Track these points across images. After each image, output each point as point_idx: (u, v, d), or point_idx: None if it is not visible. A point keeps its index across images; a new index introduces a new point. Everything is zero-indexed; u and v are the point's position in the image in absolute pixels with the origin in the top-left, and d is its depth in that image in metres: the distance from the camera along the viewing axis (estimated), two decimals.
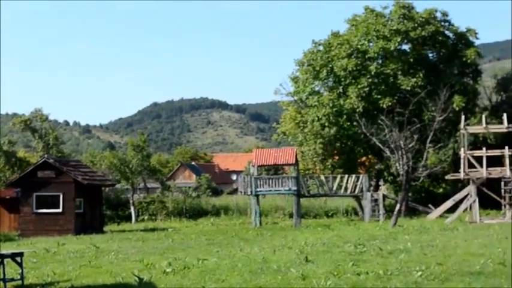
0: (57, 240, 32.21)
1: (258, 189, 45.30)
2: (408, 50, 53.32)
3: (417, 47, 52.68)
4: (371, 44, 52.42)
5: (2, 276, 16.09)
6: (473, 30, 54.23)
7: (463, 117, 42.20)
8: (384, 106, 48.57)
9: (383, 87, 50.34)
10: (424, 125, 44.09)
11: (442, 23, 53.85)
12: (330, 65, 51.55)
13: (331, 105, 50.73)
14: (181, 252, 23.46)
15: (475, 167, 39.64)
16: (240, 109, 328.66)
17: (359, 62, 50.91)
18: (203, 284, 14.76)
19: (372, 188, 48.77)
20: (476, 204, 38.70)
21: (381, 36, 51.55)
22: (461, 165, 39.73)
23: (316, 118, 51.58)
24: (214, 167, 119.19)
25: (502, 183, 39.37)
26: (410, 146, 37.94)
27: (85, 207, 43.22)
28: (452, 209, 41.19)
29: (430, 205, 46.42)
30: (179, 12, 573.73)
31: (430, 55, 55.08)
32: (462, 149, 40.33)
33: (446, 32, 54.10)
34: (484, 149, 40.78)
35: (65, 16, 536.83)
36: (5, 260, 16.59)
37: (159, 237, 33.85)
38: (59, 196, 41.91)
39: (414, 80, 49.85)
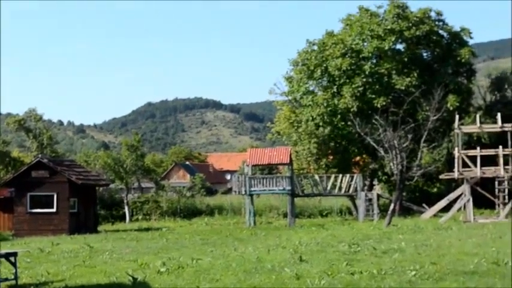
0: (51, 240, 32.12)
1: (252, 189, 45.27)
2: (402, 50, 53.44)
3: (411, 47, 52.78)
4: (365, 44, 52.50)
5: None
6: (467, 30, 54.39)
7: (457, 116, 42.27)
8: (378, 106, 48.65)
9: (377, 86, 50.40)
10: (418, 125, 44.17)
11: (436, 23, 53.97)
12: (324, 65, 51.59)
13: (325, 104, 50.75)
14: (176, 252, 23.42)
15: (469, 167, 39.71)
16: (234, 109, 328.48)
17: (353, 62, 50.96)
18: (197, 283, 14.73)
19: (366, 188, 48.85)
20: (470, 203, 38.75)
21: (375, 36, 51.63)
22: (456, 165, 39.80)
23: (311, 118, 51.61)
24: (209, 166, 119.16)
25: (496, 182, 39.51)
26: (404, 145, 37.98)
27: (79, 207, 43.13)
28: (446, 209, 41.25)
29: (424, 204, 46.47)
30: (175, 13, 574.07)
31: (424, 54, 55.21)
32: (456, 149, 40.40)
33: (441, 32, 54.24)
34: (478, 148, 40.90)
35: (58, 17, 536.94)
36: None
37: (153, 237, 33.77)
38: (53, 196, 41.81)
39: (408, 79, 49.94)
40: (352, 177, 46.41)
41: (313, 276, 14.72)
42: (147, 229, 44.32)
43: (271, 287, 14.06)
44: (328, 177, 46.98)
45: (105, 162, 62.60)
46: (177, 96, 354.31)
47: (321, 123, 51.40)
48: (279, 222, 50.28)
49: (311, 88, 53.73)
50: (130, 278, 15.69)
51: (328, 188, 46.52)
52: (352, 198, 50.50)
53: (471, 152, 40.64)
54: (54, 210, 41.76)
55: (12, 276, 16.67)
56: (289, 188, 45.14)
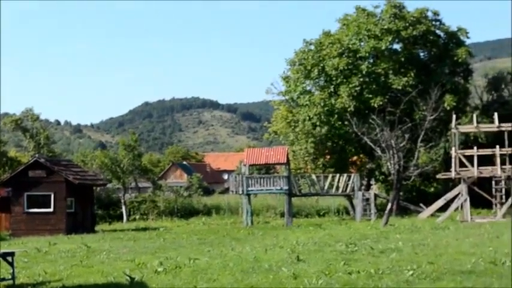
0: (49, 240, 32.15)
1: (250, 189, 45.29)
2: (399, 49, 53.42)
3: (408, 46, 52.80)
4: (362, 44, 52.50)
5: None
6: (464, 30, 54.38)
7: (454, 116, 42.24)
8: (375, 105, 48.62)
9: (374, 86, 50.41)
10: (415, 124, 44.15)
11: (433, 23, 53.99)
12: (321, 65, 51.56)
13: (322, 104, 50.74)
14: (173, 251, 23.42)
15: (466, 166, 39.73)
16: (231, 108, 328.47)
17: (350, 61, 50.96)
18: (195, 283, 14.73)
19: (363, 187, 48.86)
20: (468, 203, 38.76)
21: (372, 36, 51.64)
22: (453, 165, 39.79)
23: (308, 117, 51.61)
24: (206, 166, 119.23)
25: (493, 182, 39.50)
26: (401, 145, 37.95)
27: (76, 207, 43.13)
28: (443, 208, 41.23)
29: (421, 204, 46.51)
30: (173, 13, 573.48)
31: (421, 54, 55.20)
32: (453, 148, 40.40)
33: (438, 32, 54.25)
34: (475, 148, 40.92)
35: (58, 17, 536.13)
36: None
37: (150, 237, 33.78)
38: (50, 196, 41.80)
39: (405, 79, 49.95)
40: (349, 177, 46.47)
41: (311, 275, 14.72)
42: (145, 229, 44.32)
43: (268, 286, 14.05)
44: (326, 177, 47.02)
45: (102, 162, 62.62)
46: (174, 96, 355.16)
47: (318, 123, 51.40)
48: (276, 221, 50.26)
49: (308, 88, 53.70)
50: (128, 278, 15.68)
51: (326, 187, 46.56)
52: (350, 197, 50.54)
53: (468, 152, 40.67)
54: (51, 210, 41.75)
55: (10, 276, 16.65)
56: (286, 187, 45.16)
